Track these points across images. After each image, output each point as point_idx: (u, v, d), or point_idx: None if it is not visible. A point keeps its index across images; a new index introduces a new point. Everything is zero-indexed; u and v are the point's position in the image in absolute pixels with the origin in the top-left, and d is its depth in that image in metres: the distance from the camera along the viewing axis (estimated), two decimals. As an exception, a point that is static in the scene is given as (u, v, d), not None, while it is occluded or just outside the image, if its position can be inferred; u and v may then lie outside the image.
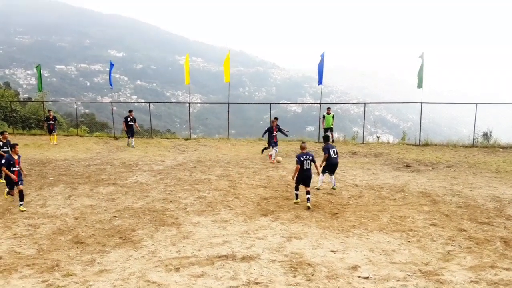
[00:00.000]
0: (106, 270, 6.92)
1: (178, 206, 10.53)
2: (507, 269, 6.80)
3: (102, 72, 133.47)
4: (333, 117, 19.84)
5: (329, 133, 18.87)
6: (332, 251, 7.64)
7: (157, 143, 20.57)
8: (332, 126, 19.90)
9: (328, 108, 20.12)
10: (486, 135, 20.38)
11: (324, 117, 19.85)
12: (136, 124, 20.08)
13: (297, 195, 10.71)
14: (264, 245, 7.94)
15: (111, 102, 28.99)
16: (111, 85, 24.10)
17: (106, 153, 18.50)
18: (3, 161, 10.35)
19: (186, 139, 21.83)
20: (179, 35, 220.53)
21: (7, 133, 13.43)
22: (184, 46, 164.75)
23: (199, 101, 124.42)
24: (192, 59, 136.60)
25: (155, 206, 10.53)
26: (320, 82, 20.72)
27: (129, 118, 19.36)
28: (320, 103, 22.38)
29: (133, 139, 19.78)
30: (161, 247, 7.91)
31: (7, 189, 10.85)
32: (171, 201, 10.91)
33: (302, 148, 10.65)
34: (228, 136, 22.65)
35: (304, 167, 10.34)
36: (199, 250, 7.74)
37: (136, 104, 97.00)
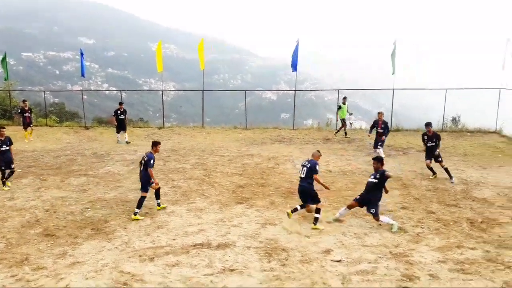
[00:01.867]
0: (78, 262, 6.80)
1: (152, 196, 10.41)
2: (472, 249, 7.10)
3: (72, 60, 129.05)
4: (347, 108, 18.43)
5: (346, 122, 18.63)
6: (306, 236, 7.77)
7: (130, 132, 20.13)
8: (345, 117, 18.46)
9: (344, 98, 18.53)
10: (454, 120, 21.03)
11: (340, 107, 18.35)
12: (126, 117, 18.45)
13: (295, 209, 8.43)
14: (239, 232, 7.99)
15: (82, 91, 28.10)
16: (83, 74, 23.30)
17: (76, 143, 18.04)
18: (151, 161, 8.90)
19: (160, 128, 21.50)
20: (151, 21, 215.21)
21: (4, 130, 11.38)
22: (156, 33, 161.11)
23: (172, 89, 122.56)
24: (165, 45, 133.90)
25: (128, 197, 10.40)
26: (294, 69, 20.57)
27: (119, 112, 17.93)
28: (295, 90, 22.47)
29: (126, 134, 18.27)
30: (135, 237, 7.83)
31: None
32: (145, 191, 10.75)
33: (312, 155, 8.68)
34: (203, 124, 22.43)
35: (299, 175, 8.50)
36: (173, 239, 7.71)
37: (108, 92, 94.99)
